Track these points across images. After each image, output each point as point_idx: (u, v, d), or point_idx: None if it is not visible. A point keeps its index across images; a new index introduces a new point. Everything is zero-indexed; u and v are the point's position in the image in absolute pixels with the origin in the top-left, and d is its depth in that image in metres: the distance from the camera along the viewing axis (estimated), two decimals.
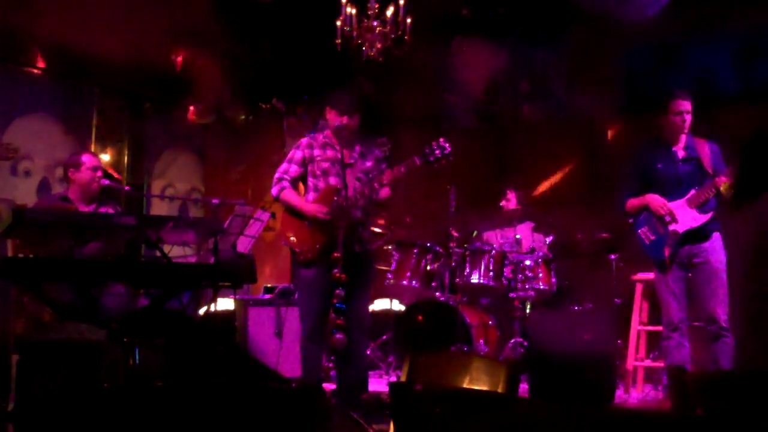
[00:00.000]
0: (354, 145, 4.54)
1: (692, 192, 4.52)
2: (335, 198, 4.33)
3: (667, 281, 4.58)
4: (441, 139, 4.29)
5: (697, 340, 4.73)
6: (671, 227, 4.54)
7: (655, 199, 4.60)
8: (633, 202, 4.73)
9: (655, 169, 4.67)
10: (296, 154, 4.57)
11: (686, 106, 4.57)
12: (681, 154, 4.63)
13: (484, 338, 5.85)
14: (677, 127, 4.60)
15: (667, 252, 4.55)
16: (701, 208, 4.49)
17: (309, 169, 4.53)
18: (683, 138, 4.63)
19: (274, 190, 4.55)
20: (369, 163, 4.56)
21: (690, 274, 4.56)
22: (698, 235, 4.50)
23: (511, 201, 6.51)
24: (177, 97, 7.42)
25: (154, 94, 7.46)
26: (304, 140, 4.63)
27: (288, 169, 4.56)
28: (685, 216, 4.52)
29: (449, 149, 4.25)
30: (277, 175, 4.57)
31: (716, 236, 4.53)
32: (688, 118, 4.58)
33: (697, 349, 4.70)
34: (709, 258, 4.48)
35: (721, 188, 4.40)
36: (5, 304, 4.19)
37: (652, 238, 4.63)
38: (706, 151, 4.57)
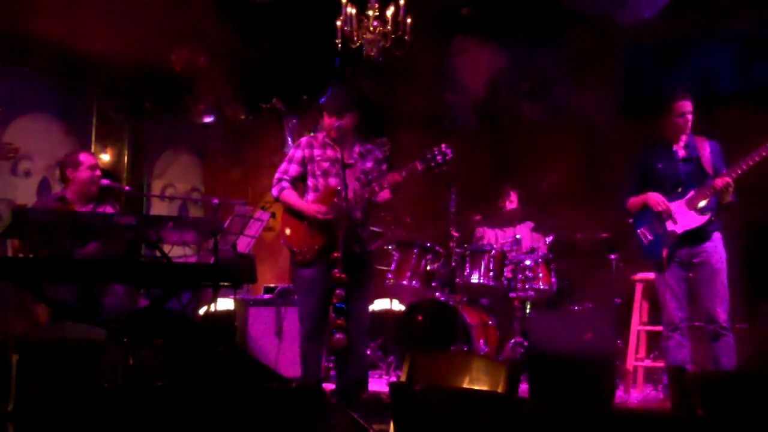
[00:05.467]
0: (352, 145, 4.54)
1: (691, 193, 4.52)
2: (335, 199, 4.32)
3: (668, 281, 4.57)
4: (443, 145, 4.29)
5: (698, 339, 4.73)
6: (670, 228, 4.54)
7: (653, 196, 4.60)
8: (633, 201, 4.73)
9: (655, 169, 4.67)
10: (296, 153, 4.56)
11: (688, 106, 4.57)
12: (681, 153, 4.62)
13: (484, 338, 5.85)
14: (679, 127, 4.60)
15: (665, 252, 4.55)
16: (700, 209, 4.49)
17: (309, 168, 4.52)
18: (683, 138, 4.63)
19: (274, 191, 4.55)
20: (369, 164, 4.56)
21: (691, 274, 4.55)
22: (698, 235, 4.50)
23: (513, 201, 6.51)
24: (177, 97, 7.42)
25: (154, 94, 7.46)
26: (304, 139, 4.62)
27: (288, 168, 4.55)
28: (684, 217, 4.52)
29: (450, 155, 4.25)
30: (277, 176, 4.56)
31: (717, 236, 4.52)
32: (690, 118, 4.58)
33: (697, 349, 4.69)
34: (709, 258, 4.47)
35: (720, 188, 4.39)
36: (5, 304, 4.19)
37: (650, 238, 4.64)
38: (706, 150, 4.56)
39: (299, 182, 4.57)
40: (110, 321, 3.91)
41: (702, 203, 4.46)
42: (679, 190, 4.56)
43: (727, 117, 4.67)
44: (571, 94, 7.07)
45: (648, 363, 5.51)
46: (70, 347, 3.69)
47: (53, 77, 6.68)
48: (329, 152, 4.48)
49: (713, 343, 4.42)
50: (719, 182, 4.39)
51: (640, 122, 6.58)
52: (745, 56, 6.32)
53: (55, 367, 3.55)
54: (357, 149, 4.55)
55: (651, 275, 5.49)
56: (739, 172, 4.35)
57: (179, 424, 1.85)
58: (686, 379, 2.70)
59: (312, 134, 4.67)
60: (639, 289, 5.54)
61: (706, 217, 4.47)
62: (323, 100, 4.53)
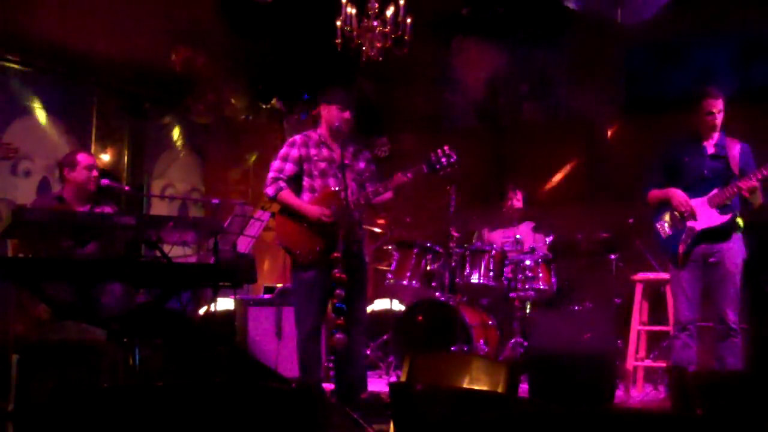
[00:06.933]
0: (348, 144, 4.51)
1: (714, 191, 4.46)
2: (337, 201, 4.30)
3: (681, 281, 4.53)
4: (446, 147, 4.27)
5: (704, 340, 4.72)
6: (689, 223, 4.49)
7: (677, 194, 4.53)
8: (655, 194, 4.67)
9: (681, 162, 4.61)
10: (292, 152, 4.46)
11: (717, 105, 4.51)
12: (710, 150, 4.57)
13: (484, 338, 5.85)
14: (708, 125, 4.54)
15: (681, 248, 4.49)
16: (722, 208, 4.43)
17: (305, 168, 4.43)
18: (715, 135, 4.57)
19: (270, 190, 4.42)
20: (362, 164, 4.55)
21: (705, 274, 4.50)
22: (717, 234, 4.44)
23: (519, 199, 6.51)
24: (177, 97, 7.41)
25: (154, 94, 7.46)
26: (299, 138, 4.51)
27: (283, 167, 4.43)
28: (704, 214, 4.46)
29: (455, 158, 4.24)
30: (271, 174, 4.43)
31: (736, 237, 4.47)
32: (720, 116, 4.52)
33: (702, 350, 4.68)
34: (724, 258, 4.43)
35: (745, 191, 4.32)
36: (5, 304, 4.19)
37: (669, 232, 4.59)
38: (735, 151, 4.51)
39: (293, 182, 4.47)
40: (109, 321, 3.91)
41: (724, 202, 4.42)
42: (703, 185, 4.49)
43: (726, 117, 4.66)
44: (571, 94, 7.07)
45: (648, 363, 5.51)
46: (70, 347, 3.69)
47: (53, 77, 6.67)
48: (325, 152, 4.43)
49: (721, 342, 4.41)
50: (744, 185, 4.33)
51: (640, 122, 6.59)
52: (745, 56, 6.32)
53: (55, 367, 3.56)
54: (350, 149, 4.52)
55: (651, 275, 5.51)
56: (766, 173, 4.27)
57: (179, 424, 1.85)
58: (686, 379, 2.71)
59: (305, 133, 4.58)
60: (639, 289, 5.54)
61: (727, 217, 4.42)
62: (336, 94, 4.47)
